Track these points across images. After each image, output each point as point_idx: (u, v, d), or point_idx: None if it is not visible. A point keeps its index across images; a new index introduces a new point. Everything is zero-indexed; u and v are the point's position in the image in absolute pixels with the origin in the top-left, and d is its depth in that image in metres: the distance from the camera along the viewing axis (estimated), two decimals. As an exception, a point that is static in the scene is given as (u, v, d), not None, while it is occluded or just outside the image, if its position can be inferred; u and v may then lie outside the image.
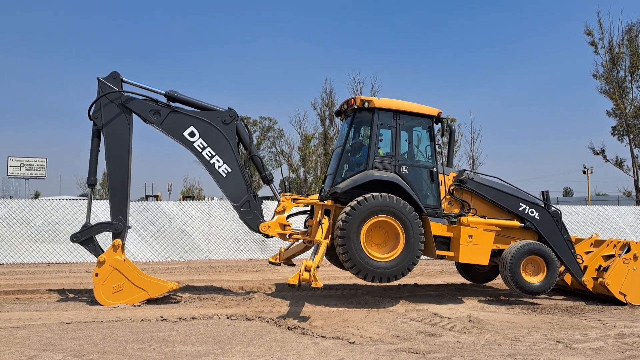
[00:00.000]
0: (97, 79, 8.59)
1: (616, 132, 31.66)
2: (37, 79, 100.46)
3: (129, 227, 8.80)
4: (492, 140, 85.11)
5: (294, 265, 10.10)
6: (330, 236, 8.31)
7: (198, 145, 8.68)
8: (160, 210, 15.27)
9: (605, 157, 31.65)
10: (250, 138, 9.03)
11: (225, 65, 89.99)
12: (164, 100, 8.77)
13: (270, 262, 9.89)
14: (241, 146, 9.03)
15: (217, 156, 8.69)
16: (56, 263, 14.26)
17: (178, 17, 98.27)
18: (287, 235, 8.89)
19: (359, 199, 8.03)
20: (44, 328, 6.53)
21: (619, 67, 30.41)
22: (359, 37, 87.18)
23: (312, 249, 7.83)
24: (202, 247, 15.33)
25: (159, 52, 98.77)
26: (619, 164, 31.47)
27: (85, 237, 8.49)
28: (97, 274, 8.15)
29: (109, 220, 8.55)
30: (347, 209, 7.99)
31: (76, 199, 19.14)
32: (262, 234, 8.75)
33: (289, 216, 8.94)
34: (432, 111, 8.90)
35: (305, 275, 7.01)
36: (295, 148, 47.38)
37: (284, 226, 8.77)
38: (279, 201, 8.92)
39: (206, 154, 8.70)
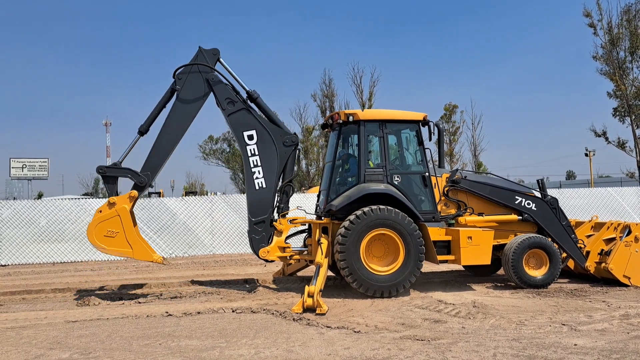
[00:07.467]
0: (199, 47, 8.87)
1: (617, 113, 31.57)
2: (38, 80, 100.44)
3: (151, 187, 8.86)
4: (493, 127, 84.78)
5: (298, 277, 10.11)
6: (330, 254, 8.27)
7: (250, 150, 8.79)
8: (163, 207, 15.30)
9: (607, 139, 31.62)
10: (295, 171, 9.08)
11: (225, 58, 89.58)
12: (243, 95, 8.97)
13: (275, 277, 9.98)
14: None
15: (260, 167, 8.78)
16: (61, 262, 14.33)
17: (179, 14, 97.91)
18: (287, 257, 8.87)
19: (354, 216, 7.99)
20: (50, 327, 6.57)
21: (618, 48, 30.26)
22: (358, 26, 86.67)
23: (314, 272, 7.79)
24: (206, 242, 15.37)
25: (158, 49, 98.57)
26: (621, 145, 31.42)
27: (112, 174, 8.64)
28: (100, 211, 8.24)
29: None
30: (344, 226, 7.97)
31: (79, 199, 19.17)
32: (261, 259, 8.71)
33: (287, 238, 8.86)
34: (418, 116, 8.86)
35: (309, 301, 7.05)
36: (296, 140, 47.32)
37: (283, 249, 8.70)
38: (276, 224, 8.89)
39: (253, 160, 8.78)
